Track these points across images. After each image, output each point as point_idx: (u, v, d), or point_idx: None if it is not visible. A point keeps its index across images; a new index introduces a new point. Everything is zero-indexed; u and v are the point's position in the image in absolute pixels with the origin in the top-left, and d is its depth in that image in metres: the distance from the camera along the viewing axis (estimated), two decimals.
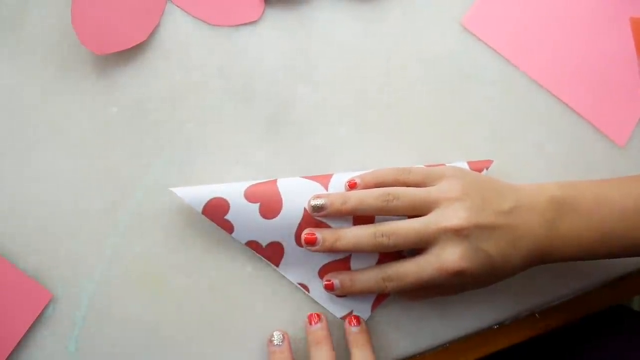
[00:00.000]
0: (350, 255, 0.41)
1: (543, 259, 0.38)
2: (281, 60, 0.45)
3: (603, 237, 0.38)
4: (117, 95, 0.43)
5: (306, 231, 0.40)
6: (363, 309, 0.41)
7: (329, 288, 0.40)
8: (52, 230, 0.41)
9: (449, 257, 0.36)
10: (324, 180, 0.41)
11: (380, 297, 0.41)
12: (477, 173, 0.41)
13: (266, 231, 0.40)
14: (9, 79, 0.43)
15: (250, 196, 0.40)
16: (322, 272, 0.41)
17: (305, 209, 0.40)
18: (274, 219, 0.40)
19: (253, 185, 0.40)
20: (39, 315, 0.40)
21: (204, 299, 0.41)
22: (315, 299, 0.41)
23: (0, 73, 0.43)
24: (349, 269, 0.41)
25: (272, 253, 0.41)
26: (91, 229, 0.41)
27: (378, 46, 0.46)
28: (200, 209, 0.40)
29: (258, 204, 0.40)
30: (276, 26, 0.45)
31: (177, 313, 0.41)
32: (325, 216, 0.39)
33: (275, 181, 0.41)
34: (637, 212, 0.38)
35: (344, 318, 0.41)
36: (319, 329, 0.40)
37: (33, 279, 0.40)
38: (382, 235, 0.37)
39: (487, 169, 0.43)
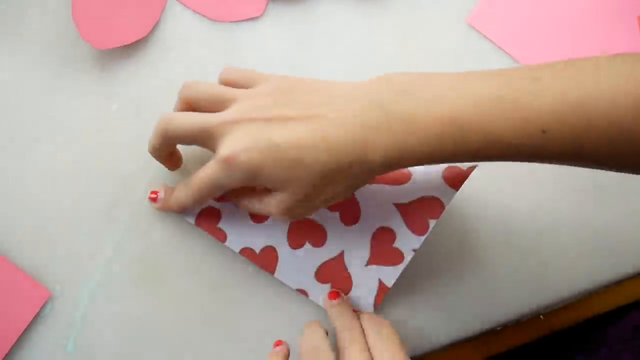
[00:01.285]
0: (343, 252, 0.40)
1: (361, 157, 0.32)
2: (283, 57, 0.44)
3: (449, 127, 0.31)
4: (117, 91, 0.42)
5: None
6: (365, 310, 0.41)
7: None
8: (51, 227, 0.40)
9: (223, 147, 0.33)
10: None
11: (381, 294, 0.40)
12: (307, 80, 0.36)
13: (258, 235, 0.40)
14: (9, 74, 0.42)
15: None
16: (319, 274, 0.41)
17: None
18: (264, 223, 0.40)
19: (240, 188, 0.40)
20: (36, 314, 0.39)
21: (204, 299, 0.40)
22: (316, 302, 0.41)
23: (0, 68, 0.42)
24: (343, 267, 0.40)
25: (266, 259, 0.40)
26: (90, 227, 0.40)
27: (383, 43, 0.45)
28: (192, 220, 0.40)
29: None
30: (279, 22, 0.45)
31: (178, 313, 0.40)
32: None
33: None
34: (495, 101, 0.31)
35: None
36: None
37: (31, 277, 0.39)
38: (164, 121, 0.35)
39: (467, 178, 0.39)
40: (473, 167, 0.38)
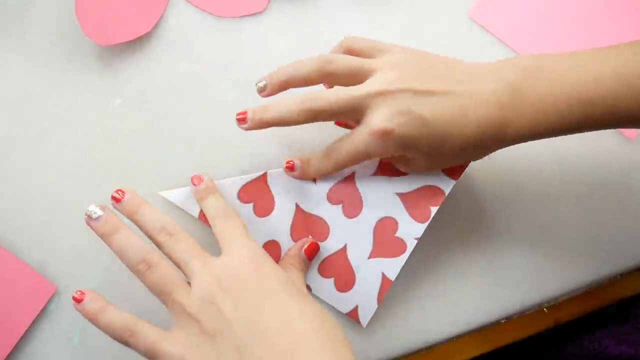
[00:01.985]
0: (346, 246, 0.41)
1: (499, 134, 0.35)
2: (287, 51, 0.44)
3: (573, 106, 0.34)
4: (121, 87, 0.43)
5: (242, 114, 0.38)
6: (369, 303, 0.41)
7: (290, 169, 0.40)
8: (56, 222, 0.41)
9: (375, 119, 0.34)
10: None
11: (384, 288, 0.40)
12: (431, 53, 0.37)
13: (262, 230, 0.40)
14: (14, 70, 0.42)
15: (243, 196, 0.40)
16: (322, 269, 0.41)
17: (297, 204, 0.40)
18: (267, 217, 0.40)
19: (245, 184, 0.40)
20: (43, 308, 0.39)
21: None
22: (320, 297, 0.41)
23: (4, 65, 0.42)
24: (346, 261, 0.41)
25: (269, 253, 0.40)
26: None
27: (385, 37, 0.45)
28: (195, 214, 0.40)
29: (252, 204, 0.40)
30: (282, 17, 0.45)
31: None
32: (249, 128, 0.37)
33: (265, 177, 0.40)
34: (615, 79, 0.34)
35: (349, 314, 0.41)
36: (130, 198, 0.36)
37: (37, 271, 0.40)
38: (310, 100, 0.35)
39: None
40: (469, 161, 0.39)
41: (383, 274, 0.40)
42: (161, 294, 0.34)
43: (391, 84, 0.35)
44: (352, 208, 0.41)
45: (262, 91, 0.38)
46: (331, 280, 0.41)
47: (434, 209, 0.39)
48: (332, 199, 0.41)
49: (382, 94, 0.35)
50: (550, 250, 0.43)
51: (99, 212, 0.35)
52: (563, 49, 0.46)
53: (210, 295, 0.33)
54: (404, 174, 0.40)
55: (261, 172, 0.41)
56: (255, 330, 0.32)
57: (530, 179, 0.44)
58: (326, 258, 0.41)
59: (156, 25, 0.44)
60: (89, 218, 0.35)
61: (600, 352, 0.46)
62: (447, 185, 0.39)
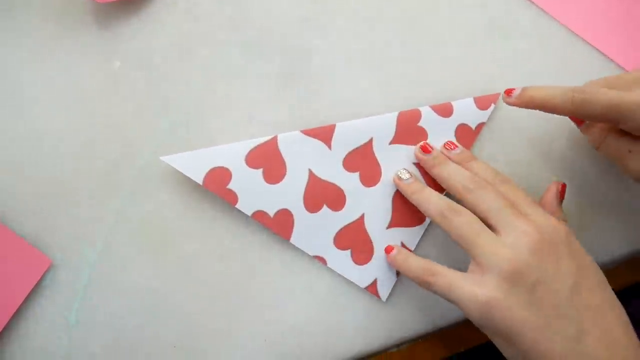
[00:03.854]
0: (364, 215, 0.38)
1: None
2: (296, 10, 0.41)
3: None
4: (120, 48, 0.40)
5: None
6: (388, 276, 0.38)
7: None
8: (51, 193, 0.38)
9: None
10: (326, 135, 0.38)
11: None
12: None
13: (272, 198, 0.37)
14: (4, 31, 0.40)
15: (251, 161, 0.37)
16: (338, 240, 0.38)
17: (310, 170, 0.38)
18: (278, 184, 0.37)
19: (253, 148, 0.37)
20: (37, 284, 0.36)
21: (214, 267, 0.38)
22: (335, 270, 0.38)
23: None
24: (364, 231, 0.38)
25: (281, 223, 0.37)
26: (93, 192, 0.38)
27: None
28: (200, 180, 0.37)
29: (261, 170, 0.37)
30: None
31: (186, 282, 0.37)
32: (514, 103, 0.36)
33: (275, 140, 0.38)
34: None
35: (368, 289, 0.38)
36: (437, 155, 0.38)
37: (31, 244, 0.37)
38: (582, 94, 0.34)
39: (494, 103, 0.40)
40: (480, 127, 0.40)
41: (402, 243, 0.38)
42: (466, 238, 0.34)
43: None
44: (370, 176, 0.38)
45: (508, 97, 0.36)
46: (348, 252, 0.38)
47: None
48: (348, 166, 0.38)
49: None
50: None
51: (407, 175, 0.38)
52: (593, 6, 0.43)
53: (533, 244, 0.32)
54: (422, 140, 0.39)
55: (271, 136, 0.38)
56: (578, 296, 0.32)
57: (538, 162, 0.41)
58: (342, 228, 0.38)
59: None
60: (399, 178, 0.38)
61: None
62: (478, 121, 0.39)
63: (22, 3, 0.40)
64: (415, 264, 0.35)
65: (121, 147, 0.39)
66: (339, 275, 0.38)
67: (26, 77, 0.39)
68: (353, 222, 0.38)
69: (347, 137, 0.38)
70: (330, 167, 0.38)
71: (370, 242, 0.38)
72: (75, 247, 0.37)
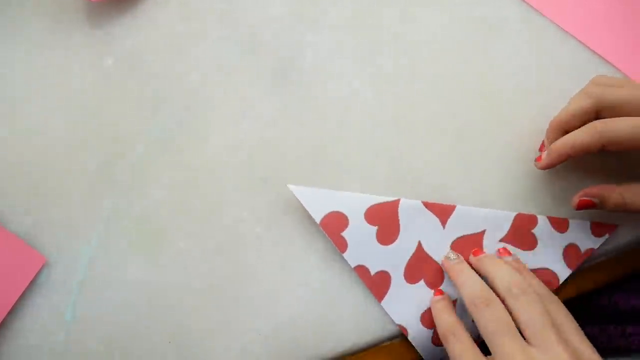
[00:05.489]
0: (456, 300, 0.38)
1: None
2: (288, 5, 0.42)
3: None
4: (112, 46, 0.40)
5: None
6: None
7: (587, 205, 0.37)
8: (45, 190, 0.38)
9: None
10: (445, 213, 0.39)
11: None
12: None
13: (378, 257, 0.38)
14: None
15: (370, 217, 0.38)
16: (425, 316, 0.38)
17: (419, 242, 0.38)
18: (388, 246, 0.38)
19: (375, 204, 0.38)
20: (31, 282, 0.37)
21: (209, 263, 0.38)
22: (414, 344, 0.38)
23: None
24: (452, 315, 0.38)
25: (378, 284, 0.38)
26: (87, 189, 0.38)
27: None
28: (319, 219, 0.38)
29: (376, 227, 0.38)
30: None
31: (182, 278, 0.38)
32: (549, 165, 0.37)
33: (397, 203, 0.38)
34: None
35: None
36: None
37: (25, 242, 0.37)
38: (604, 125, 0.34)
39: (609, 234, 0.40)
40: (588, 252, 0.39)
41: None
42: (492, 333, 0.33)
43: None
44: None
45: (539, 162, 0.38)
46: (430, 332, 0.38)
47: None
48: (456, 249, 0.39)
49: None
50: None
51: (454, 256, 0.38)
52: (582, 3, 0.43)
53: None
54: (529, 248, 0.39)
55: (394, 198, 0.38)
56: None
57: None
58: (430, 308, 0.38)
59: None
60: (446, 259, 0.38)
61: (610, 307, 0.44)
62: (563, 275, 0.39)
63: (15, 2, 0.40)
64: (447, 317, 0.36)
65: (114, 144, 0.39)
66: (333, 269, 0.38)
67: (19, 75, 0.39)
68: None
69: (463, 221, 0.39)
70: (439, 244, 0.39)
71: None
72: (69, 244, 0.37)
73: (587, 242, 0.40)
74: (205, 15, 0.41)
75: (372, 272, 0.38)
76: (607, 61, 0.43)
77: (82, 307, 0.37)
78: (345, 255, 0.38)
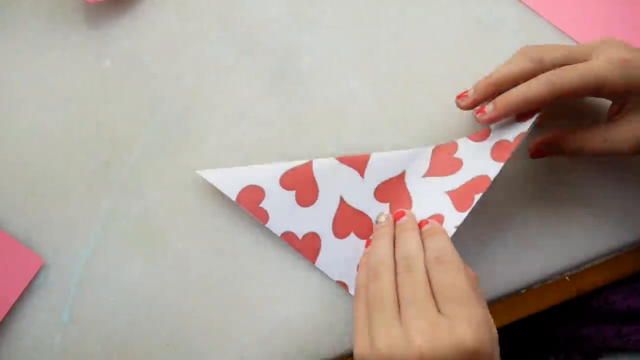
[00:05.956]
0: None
1: None
2: (286, 6, 0.42)
3: None
4: (110, 47, 0.40)
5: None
6: None
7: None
8: (42, 191, 0.38)
9: (612, 50, 0.34)
10: (360, 164, 0.38)
11: None
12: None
13: (302, 220, 0.38)
14: None
15: (285, 183, 0.38)
16: None
17: (341, 197, 0.38)
18: (309, 207, 0.38)
19: (288, 170, 0.38)
20: (29, 284, 0.36)
21: (207, 265, 0.38)
22: (354, 295, 0.38)
23: None
24: None
25: (308, 246, 0.38)
26: (85, 190, 0.38)
27: None
28: (234, 196, 0.37)
29: (294, 192, 0.38)
30: None
31: (179, 280, 0.38)
32: (495, 118, 0.36)
33: (310, 165, 0.38)
34: None
35: None
36: (407, 221, 0.36)
37: (22, 244, 0.37)
38: (556, 77, 0.34)
39: (539, 111, 0.37)
40: (519, 138, 0.36)
41: None
42: (371, 306, 0.32)
43: (630, 52, 0.33)
44: (400, 208, 0.38)
45: (462, 102, 0.37)
46: None
47: (477, 196, 0.36)
48: (379, 196, 0.38)
49: (626, 61, 0.33)
50: (572, 215, 0.41)
51: (382, 219, 0.37)
52: (580, 3, 0.44)
53: (415, 355, 0.29)
54: (456, 170, 0.38)
55: (307, 160, 0.38)
56: None
57: None
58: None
59: None
60: (376, 222, 0.37)
61: (606, 308, 0.43)
62: (494, 171, 0.36)
63: (13, 2, 0.40)
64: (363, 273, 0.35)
65: (112, 145, 0.39)
66: (329, 277, 0.38)
67: (16, 76, 0.39)
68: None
69: (381, 167, 0.38)
70: (361, 196, 0.38)
71: None
72: (67, 246, 0.37)
73: (515, 131, 0.37)
74: (203, 16, 0.41)
75: (300, 237, 0.38)
76: None
77: (79, 309, 0.37)
78: (268, 225, 0.37)
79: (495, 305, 0.40)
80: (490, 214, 0.40)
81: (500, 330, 0.40)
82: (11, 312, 0.36)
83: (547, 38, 0.43)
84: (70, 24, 0.40)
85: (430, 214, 0.37)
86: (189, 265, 0.38)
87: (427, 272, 0.32)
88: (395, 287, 0.32)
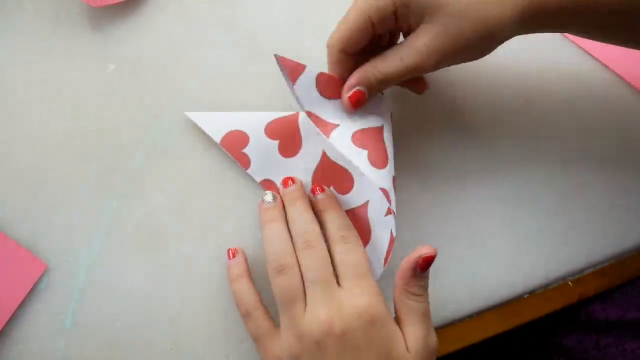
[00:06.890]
0: (368, 202, 0.38)
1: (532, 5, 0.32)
2: (289, 11, 0.42)
3: None
4: (114, 52, 0.40)
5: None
6: (375, 265, 0.38)
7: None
8: (45, 196, 0.38)
9: None
10: (328, 126, 0.37)
11: (390, 247, 0.37)
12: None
13: (283, 170, 0.38)
14: None
15: (270, 132, 0.38)
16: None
17: (324, 151, 0.38)
18: (292, 158, 0.38)
19: (274, 119, 0.38)
20: (32, 288, 0.36)
21: (209, 269, 0.38)
22: None
23: None
24: (366, 217, 0.38)
25: None
26: (88, 195, 0.38)
27: None
28: (218, 139, 0.38)
29: (277, 141, 0.38)
30: None
31: (181, 284, 0.38)
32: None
33: (296, 117, 0.38)
34: None
35: None
36: (294, 190, 0.37)
37: (26, 248, 0.37)
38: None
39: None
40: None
41: (391, 231, 0.38)
42: (280, 302, 0.34)
43: None
44: (377, 158, 0.37)
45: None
46: None
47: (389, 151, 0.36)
48: (356, 140, 0.37)
49: None
50: (574, 219, 0.41)
51: (270, 198, 0.37)
52: None
53: (317, 336, 0.32)
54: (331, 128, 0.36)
55: (293, 112, 0.38)
56: None
57: (551, 143, 0.42)
58: (346, 212, 0.38)
59: None
60: (262, 201, 0.37)
61: (587, 319, 0.43)
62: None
63: (16, 6, 0.40)
64: (246, 292, 0.35)
65: (115, 150, 0.39)
66: None
67: (20, 80, 0.39)
68: (357, 207, 0.38)
69: (344, 136, 0.37)
70: (341, 145, 0.36)
71: (369, 228, 0.38)
72: (70, 250, 0.37)
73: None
74: (206, 20, 0.41)
75: (279, 184, 0.38)
76: (610, 69, 0.43)
77: (82, 314, 0.37)
78: (249, 171, 0.38)
79: (496, 310, 0.40)
80: (492, 218, 0.40)
81: (504, 334, 0.40)
82: (14, 316, 0.36)
83: (548, 42, 0.43)
84: (75, 28, 0.40)
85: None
86: (192, 270, 0.38)
87: (328, 247, 0.35)
88: (300, 274, 0.34)
